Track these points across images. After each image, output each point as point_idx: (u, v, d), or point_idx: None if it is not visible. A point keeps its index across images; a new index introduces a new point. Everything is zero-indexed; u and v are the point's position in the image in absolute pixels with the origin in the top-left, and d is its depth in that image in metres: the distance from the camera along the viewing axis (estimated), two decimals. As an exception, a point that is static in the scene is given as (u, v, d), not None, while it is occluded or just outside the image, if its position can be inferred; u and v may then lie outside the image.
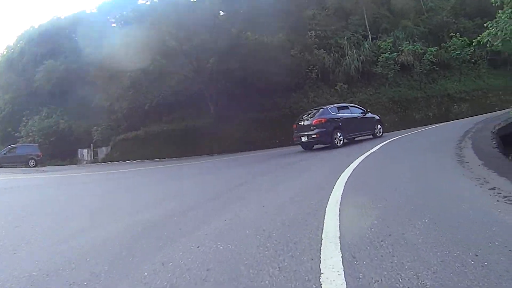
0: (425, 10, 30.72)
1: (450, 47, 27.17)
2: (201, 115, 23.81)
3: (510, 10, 11.24)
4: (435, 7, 30.88)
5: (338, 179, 5.16)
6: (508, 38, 11.75)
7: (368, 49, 25.36)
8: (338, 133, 12.59)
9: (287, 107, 23.60)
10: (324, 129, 12.32)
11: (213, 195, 5.29)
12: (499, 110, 25.48)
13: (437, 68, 25.98)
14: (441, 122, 22.27)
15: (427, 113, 24.62)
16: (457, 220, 2.82)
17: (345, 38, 26.15)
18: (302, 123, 13.29)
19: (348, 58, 24.72)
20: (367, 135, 14.60)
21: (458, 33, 27.66)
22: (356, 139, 14.40)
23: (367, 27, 27.28)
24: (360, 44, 25.93)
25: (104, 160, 28.02)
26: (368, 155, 8.18)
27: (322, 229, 2.88)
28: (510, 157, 5.63)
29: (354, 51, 25.00)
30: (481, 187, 3.88)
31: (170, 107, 24.95)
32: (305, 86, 24.47)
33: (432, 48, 26.00)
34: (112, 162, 25.30)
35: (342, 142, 12.56)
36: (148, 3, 25.32)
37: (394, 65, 24.72)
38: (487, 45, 14.57)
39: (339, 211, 3.40)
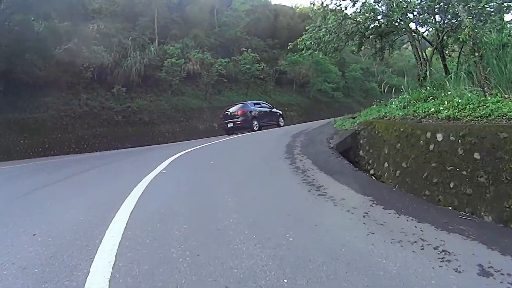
0: (217, 25, 31.36)
1: (240, 61, 27.97)
2: None
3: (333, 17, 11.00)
4: (229, 23, 31.95)
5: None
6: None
7: (153, 53, 23.80)
8: (254, 121, 17.34)
9: (55, 108, 19.81)
10: (245, 118, 17.01)
11: None
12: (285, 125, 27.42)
13: (225, 80, 26.27)
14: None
15: (212, 123, 24.36)
16: None
17: (130, 38, 24.00)
18: (228, 113, 17.63)
19: (130, 59, 22.56)
20: (273, 124, 18.99)
21: (249, 49, 28.85)
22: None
23: (156, 30, 25.82)
24: (146, 47, 24.18)
25: None
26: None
27: None
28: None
29: (138, 53, 23.02)
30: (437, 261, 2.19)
31: None
32: (78, 86, 21.11)
33: (223, 59, 26.11)
34: None
35: (257, 127, 17.18)
36: None
37: (180, 72, 23.70)
38: (299, 52, 14.78)
39: None
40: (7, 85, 18.38)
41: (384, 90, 9.34)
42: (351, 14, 11.26)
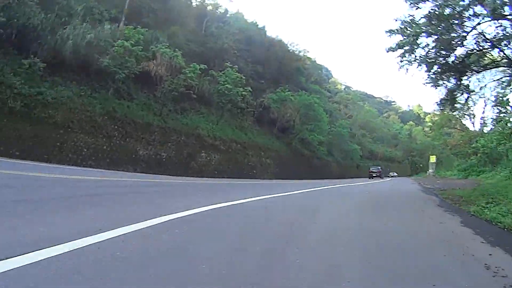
0: (204, 34, 25.67)
1: (220, 77, 21.66)
2: None
3: None
4: (217, 34, 26.36)
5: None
6: None
7: (107, 32, 16.82)
8: (382, 175, 39.95)
9: None
10: (381, 173, 39.92)
11: None
12: (258, 176, 21.27)
13: (195, 96, 19.72)
14: (180, 176, 15.58)
15: (159, 151, 17.26)
16: None
17: (84, 5, 17.04)
18: (374, 170, 39.42)
19: (70, 30, 15.46)
20: (383, 177, 39.36)
21: (236, 66, 22.75)
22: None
23: (124, 8, 19.29)
24: (101, 22, 17.29)
25: None
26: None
27: None
28: None
29: (85, 25, 16.07)
30: None
31: None
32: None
33: (197, 65, 19.46)
34: None
35: (382, 178, 38.23)
36: None
37: (132, 66, 16.72)
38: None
39: None
40: None
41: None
42: None
